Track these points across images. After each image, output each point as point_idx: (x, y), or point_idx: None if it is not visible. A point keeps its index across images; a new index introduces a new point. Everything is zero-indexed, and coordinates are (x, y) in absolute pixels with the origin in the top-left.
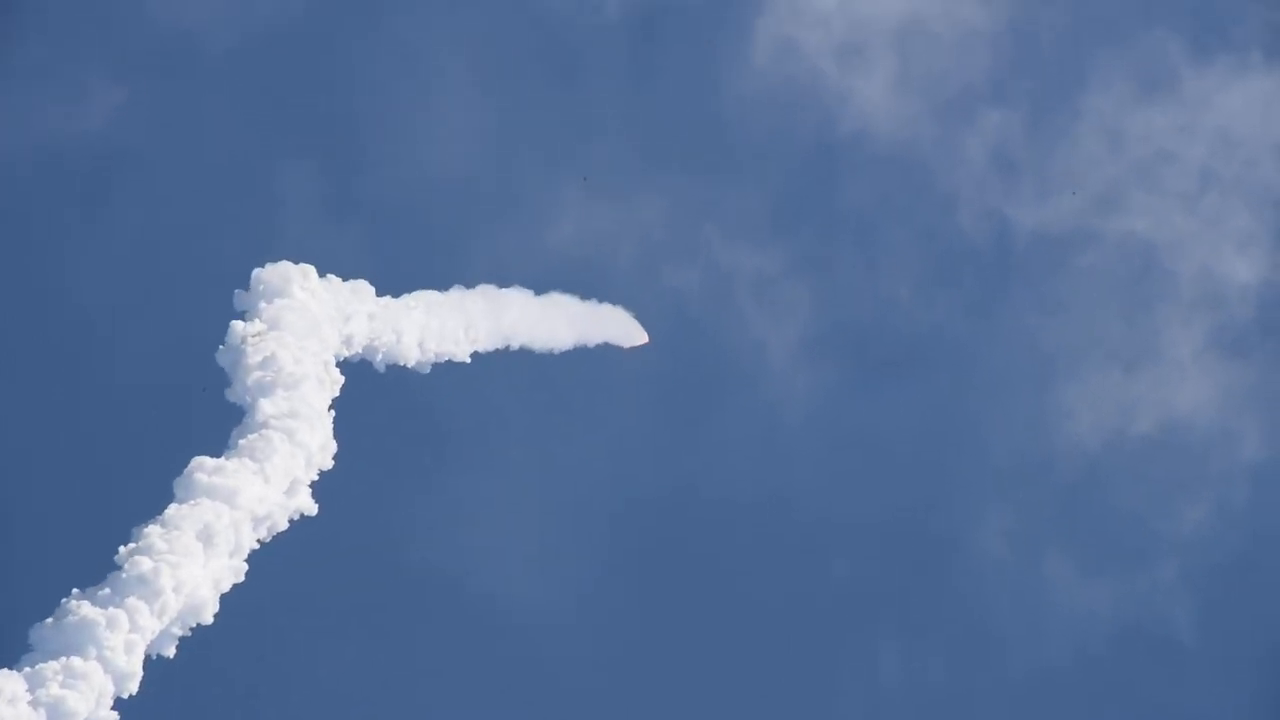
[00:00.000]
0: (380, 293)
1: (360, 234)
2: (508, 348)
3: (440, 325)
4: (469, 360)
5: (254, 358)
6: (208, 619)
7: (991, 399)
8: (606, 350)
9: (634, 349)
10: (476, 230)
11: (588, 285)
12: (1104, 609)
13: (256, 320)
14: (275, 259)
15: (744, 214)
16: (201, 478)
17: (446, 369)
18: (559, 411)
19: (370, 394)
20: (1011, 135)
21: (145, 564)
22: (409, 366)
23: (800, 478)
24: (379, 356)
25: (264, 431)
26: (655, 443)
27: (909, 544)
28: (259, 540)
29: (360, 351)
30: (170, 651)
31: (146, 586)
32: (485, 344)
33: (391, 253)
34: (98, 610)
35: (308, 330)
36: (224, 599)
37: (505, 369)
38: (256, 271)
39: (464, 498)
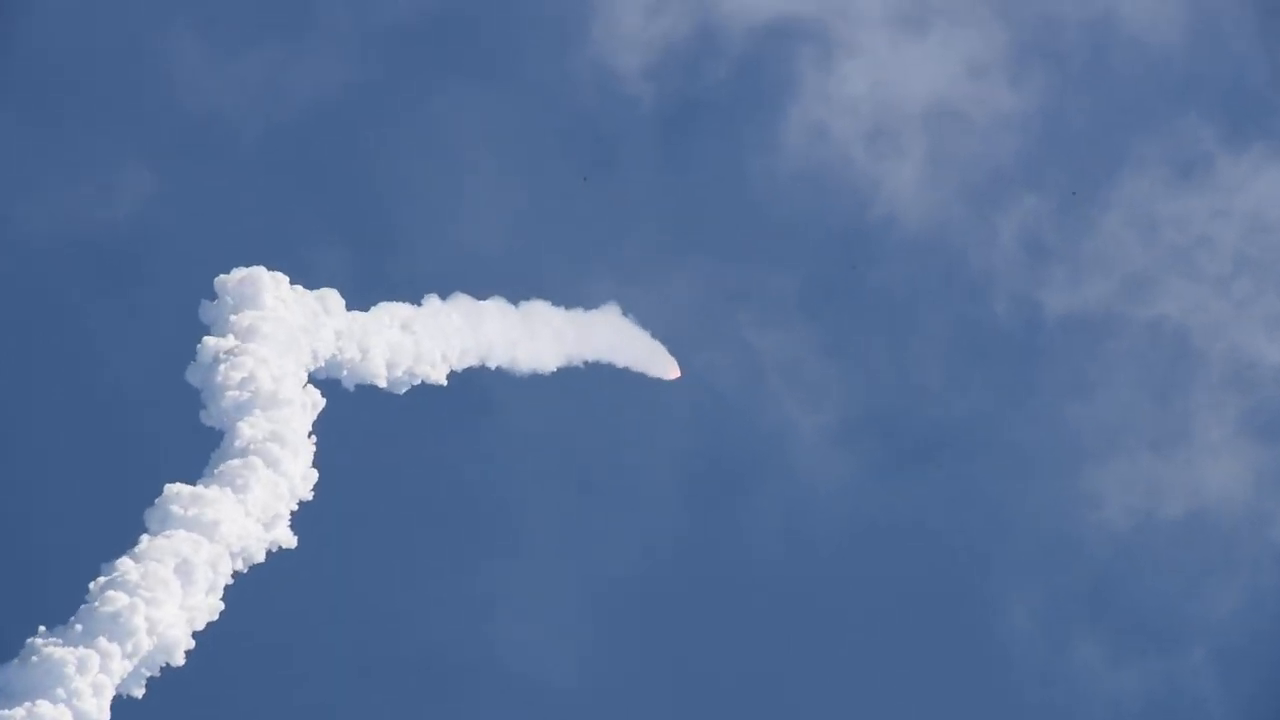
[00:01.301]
0: (351, 306)
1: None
2: (484, 366)
3: (415, 343)
4: (445, 383)
5: (229, 376)
6: (179, 660)
7: (1022, 482)
8: (622, 393)
9: (667, 381)
10: None
11: (615, 370)
12: (1134, 692)
13: (230, 335)
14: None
15: (775, 298)
16: (177, 508)
17: (423, 392)
18: (579, 489)
19: (344, 417)
20: (1043, 220)
21: (117, 601)
22: (380, 387)
23: (829, 561)
24: (344, 373)
25: (245, 458)
26: (683, 525)
27: (939, 627)
28: (235, 571)
29: (324, 365)
30: (139, 692)
31: (118, 626)
32: (461, 363)
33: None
34: (66, 650)
35: (285, 344)
36: (195, 635)
37: (498, 404)
38: (221, 279)
39: (463, 554)
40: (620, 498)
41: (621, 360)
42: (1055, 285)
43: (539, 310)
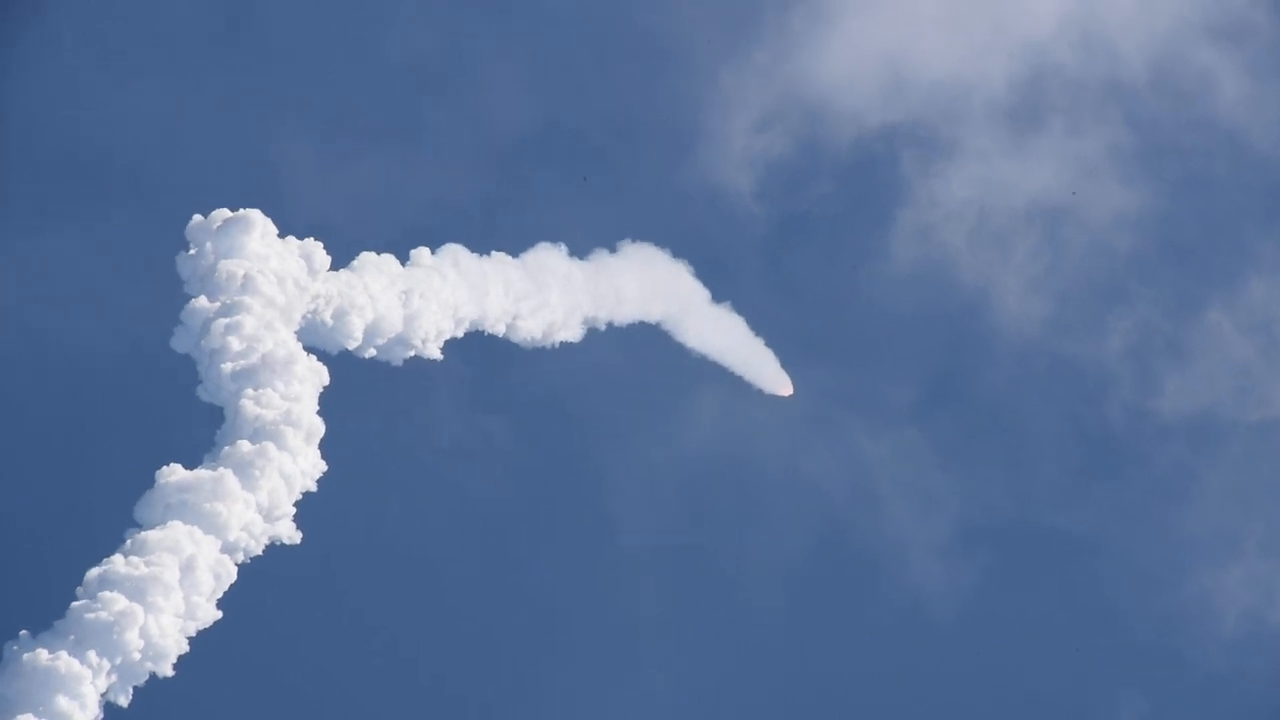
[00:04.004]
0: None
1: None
2: (481, 332)
3: (414, 308)
4: (442, 356)
5: (225, 342)
6: (168, 670)
7: (1135, 588)
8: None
9: (776, 398)
10: (615, 419)
11: (728, 480)
12: None
13: (220, 295)
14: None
15: (887, 405)
16: (174, 496)
17: (420, 366)
18: (686, 595)
19: (342, 391)
20: (1156, 323)
21: (105, 606)
22: (367, 356)
23: (942, 670)
24: (326, 337)
25: (251, 440)
26: (794, 634)
27: None
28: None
29: (306, 328)
30: (124, 700)
31: (107, 634)
32: (458, 329)
33: None
34: (51, 658)
35: (285, 304)
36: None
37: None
38: (197, 221)
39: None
40: (729, 606)
41: (732, 367)
42: (1168, 389)
43: (549, 261)
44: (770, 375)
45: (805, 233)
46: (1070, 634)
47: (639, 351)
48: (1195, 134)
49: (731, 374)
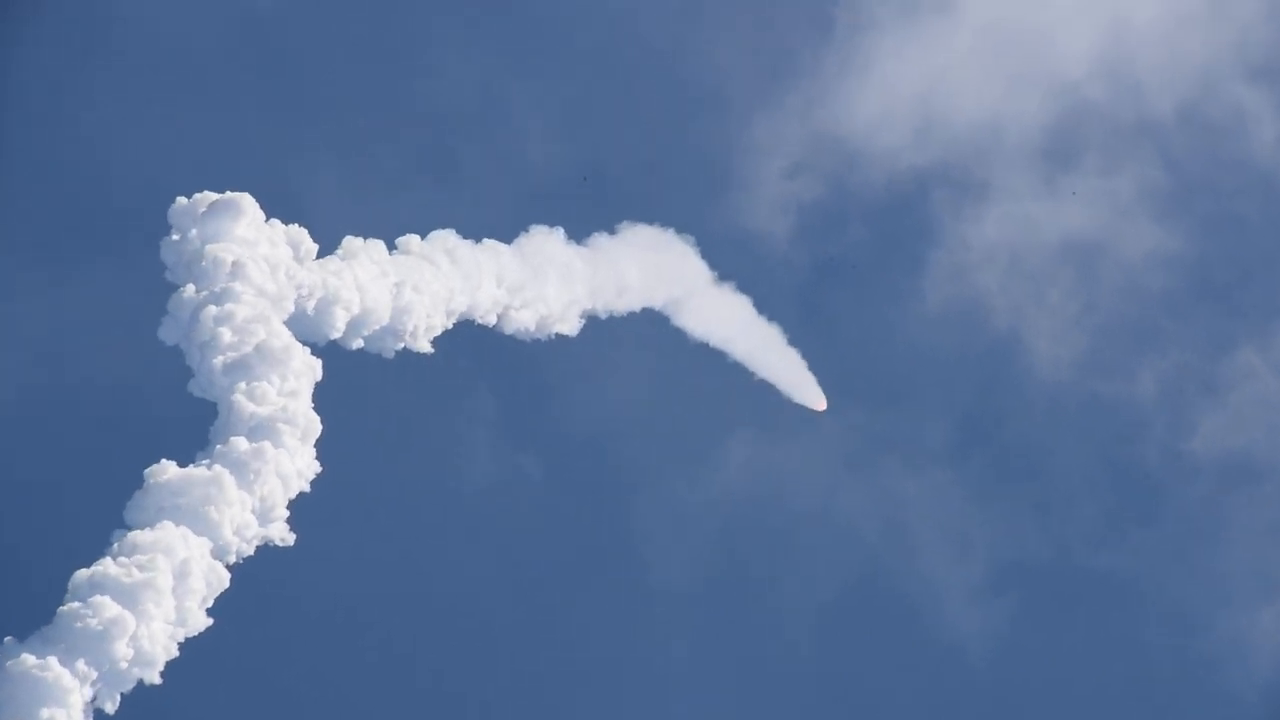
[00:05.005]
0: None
1: None
2: (472, 322)
3: (405, 301)
4: (431, 349)
5: (216, 332)
6: (155, 678)
7: (1168, 629)
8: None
9: (812, 411)
10: (647, 470)
11: (761, 520)
12: None
13: (208, 284)
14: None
15: (920, 446)
16: (166, 496)
17: (410, 359)
18: (708, 637)
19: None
20: (1190, 363)
21: (94, 613)
22: (355, 348)
23: (977, 711)
24: (312, 328)
25: (248, 437)
26: (825, 674)
27: None
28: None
29: (293, 317)
30: (110, 707)
31: (95, 641)
32: (448, 320)
33: None
34: (38, 664)
35: (275, 294)
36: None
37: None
38: (181, 204)
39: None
40: (761, 645)
41: (766, 376)
42: (1202, 429)
43: (546, 247)
44: (803, 388)
45: (839, 275)
46: (1104, 675)
47: (649, 352)
48: (1228, 173)
49: (764, 385)
